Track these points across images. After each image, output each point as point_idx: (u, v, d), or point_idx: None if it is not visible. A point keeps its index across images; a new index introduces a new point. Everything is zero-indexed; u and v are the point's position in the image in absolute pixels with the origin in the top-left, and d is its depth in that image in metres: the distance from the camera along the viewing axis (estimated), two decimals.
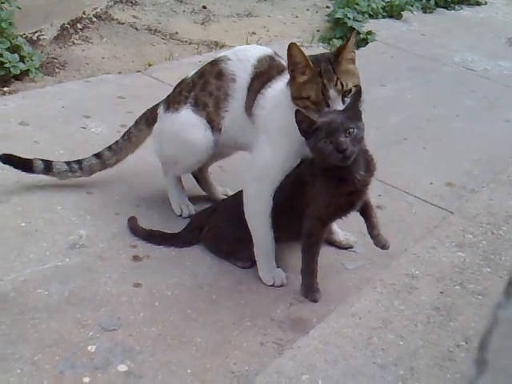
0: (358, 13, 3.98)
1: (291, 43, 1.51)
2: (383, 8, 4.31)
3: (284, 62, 1.69)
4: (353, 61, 1.56)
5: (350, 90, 1.51)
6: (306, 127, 1.49)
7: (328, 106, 1.51)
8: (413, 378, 1.37)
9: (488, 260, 1.82)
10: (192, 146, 1.76)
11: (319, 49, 3.49)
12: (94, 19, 3.49)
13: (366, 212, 1.65)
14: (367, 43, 3.75)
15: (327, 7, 4.32)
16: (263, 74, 1.67)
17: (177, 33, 3.57)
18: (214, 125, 1.75)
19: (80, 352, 1.40)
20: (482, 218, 2.05)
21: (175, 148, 1.81)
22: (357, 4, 4.01)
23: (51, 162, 1.92)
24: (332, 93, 1.50)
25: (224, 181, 2.08)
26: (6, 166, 1.94)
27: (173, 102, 1.82)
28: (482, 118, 2.95)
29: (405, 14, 4.38)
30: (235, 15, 4.00)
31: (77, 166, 1.94)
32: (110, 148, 1.96)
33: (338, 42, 3.66)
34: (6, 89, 2.62)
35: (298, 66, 1.52)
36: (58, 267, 1.65)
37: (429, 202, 2.17)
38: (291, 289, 1.67)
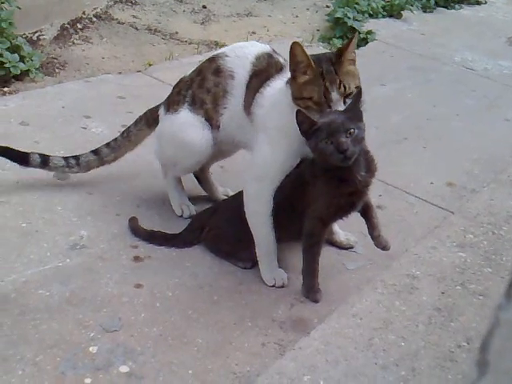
0: (357, 12, 3.97)
1: (294, 42, 1.51)
2: (383, 7, 4.31)
3: (282, 60, 1.69)
4: (354, 62, 1.55)
5: (352, 92, 1.51)
6: (307, 127, 1.48)
7: (330, 107, 1.50)
8: (414, 379, 1.38)
9: (489, 260, 1.82)
10: (190, 148, 1.75)
11: (319, 48, 3.49)
12: (94, 19, 3.48)
13: (367, 213, 1.64)
14: (367, 43, 3.75)
15: (327, 7, 4.32)
16: (262, 72, 1.66)
17: (177, 32, 3.57)
18: (212, 122, 1.74)
19: (81, 353, 1.40)
20: (482, 217, 2.05)
21: (174, 149, 1.81)
22: (357, 3, 4.01)
23: (48, 156, 1.92)
24: (334, 95, 1.49)
25: (225, 181, 2.08)
26: (7, 166, 1.94)
27: (172, 102, 1.82)
28: (482, 117, 2.95)
29: (405, 13, 4.38)
30: (235, 15, 4.00)
31: (74, 162, 1.94)
32: (108, 145, 1.96)
33: (337, 42, 3.66)
34: (6, 89, 2.61)
35: (299, 66, 1.51)
36: (58, 268, 1.65)
37: (429, 202, 2.17)
38: (292, 289, 1.67)
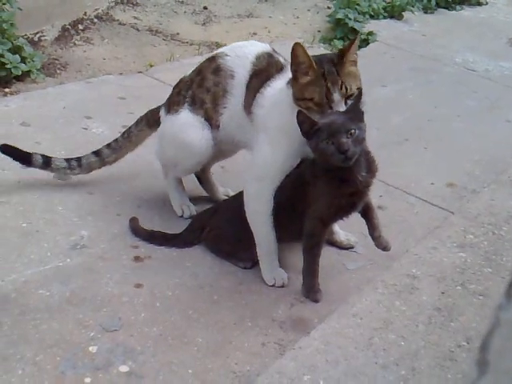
0: (358, 13, 3.98)
1: (296, 43, 1.51)
2: (384, 8, 4.31)
3: (282, 60, 1.69)
4: (355, 63, 1.55)
5: (353, 94, 1.51)
6: (308, 128, 1.49)
7: (331, 108, 1.50)
8: (414, 379, 1.37)
9: (489, 260, 1.82)
10: (190, 148, 1.76)
11: (320, 49, 3.49)
12: (95, 20, 3.49)
13: (368, 213, 1.64)
14: (368, 44, 3.75)
15: (328, 8, 4.32)
16: (262, 72, 1.66)
17: (178, 34, 3.57)
18: (212, 122, 1.74)
19: (81, 352, 1.40)
20: (483, 218, 2.04)
21: (174, 150, 1.81)
22: (358, 4, 4.01)
23: (50, 157, 1.93)
24: (336, 96, 1.49)
25: (226, 181, 2.08)
26: (7, 166, 1.95)
27: (172, 103, 1.82)
28: (483, 118, 2.95)
29: (406, 14, 4.38)
30: (236, 16, 4.01)
31: (76, 164, 1.95)
32: (109, 146, 1.97)
33: (338, 43, 3.67)
34: (7, 90, 2.62)
35: (301, 67, 1.51)
36: (59, 268, 1.65)
37: (430, 203, 2.17)
38: (292, 289, 1.68)
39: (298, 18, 4.17)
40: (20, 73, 2.66)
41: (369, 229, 1.65)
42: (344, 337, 1.47)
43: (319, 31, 3.93)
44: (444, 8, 4.83)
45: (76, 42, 3.23)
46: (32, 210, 1.86)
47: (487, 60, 3.77)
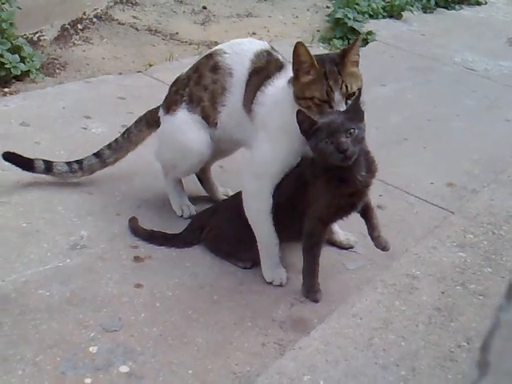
0: (358, 13, 3.98)
1: (298, 42, 1.51)
2: (383, 8, 4.31)
3: (281, 58, 1.69)
4: (357, 63, 1.56)
5: (354, 93, 1.51)
6: (307, 127, 1.49)
7: (331, 107, 1.51)
8: (414, 379, 1.38)
9: (489, 260, 1.82)
10: (188, 151, 1.75)
11: (319, 49, 3.50)
12: (95, 20, 3.49)
13: (367, 213, 1.64)
14: (367, 43, 3.75)
15: (327, 7, 4.32)
16: (262, 70, 1.66)
17: (177, 33, 3.57)
18: (209, 120, 1.74)
19: (81, 353, 1.40)
20: (482, 218, 2.05)
21: (172, 152, 1.81)
22: (357, 4, 4.01)
23: (52, 162, 1.93)
24: (337, 95, 1.49)
25: (225, 181, 2.08)
26: (7, 167, 1.95)
27: (170, 102, 1.81)
28: (482, 117, 2.95)
29: (405, 14, 4.38)
30: (235, 15, 4.00)
31: (77, 166, 1.95)
32: (109, 146, 1.96)
33: (338, 43, 3.67)
34: (6, 89, 2.62)
35: (302, 66, 1.51)
36: (59, 268, 1.65)
37: (429, 202, 2.17)
38: (292, 289, 1.68)
39: (297, 17, 4.17)
40: (19, 72, 2.65)
41: (368, 229, 1.65)
42: (344, 337, 1.47)
43: (318, 31, 3.93)
44: (443, 7, 4.83)
45: (75, 41, 3.23)
46: (32, 210, 1.86)
47: (486, 59, 3.77)
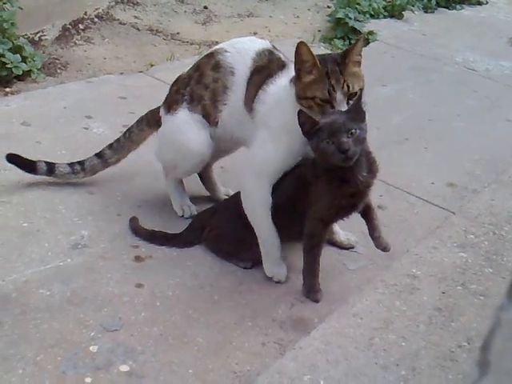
0: (359, 13, 3.97)
1: (300, 42, 1.51)
2: (384, 8, 4.31)
3: (283, 57, 1.69)
4: (359, 64, 1.56)
5: (356, 93, 1.51)
6: (309, 128, 1.49)
7: (333, 107, 1.51)
8: (415, 379, 1.37)
9: (490, 260, 1.82)
10: (188, 151, 1.75)
11: (320, 49, 3.50)
12: (96, 20, 3.49)
13: (368, 214, 1.64)
14: (368, 43, 3.75)
15: (328, 7, 4.32)
16: (263, 69, 1.66)
17: (178, 33, 3.57)
18: (210, 119, 1.74)
19: (82, 352, 1.40)
20: (483, 218, 2.04)
21: (172, 152, 1.81)
22: (358, 4, 4.01)
23: (54, 164, 1.93)
24: (338, 95, 1.50)
25: (226, 181, 2.08)
26: (8, 167, 1.95)
27: (171, 102, 1.81)
28: (483, 117, 2.95)
29: (406, 13, 4.38)
30: (236, 15, 4.01)
31: (79, 168, 1.95)
32: (111, 146, 1.96)
33: (339, 42, 3.67)
34: (8, 89, 2.62)
35: (305, 65, 1.51)
36: (59, 267, 1.65)
37: (430, 203, 2.17)
38: (292, 289, 1.68)
39: (298, 17, 4.17)
40: (21, 72, 2.66)
41: (369, 229, 1.65)
42: (344, 337, 1.47)
43: (319, 31, 3.93)
44: (444, 7, 4.83)
45: (76, 41, 3.23)
46: (33, 210, 1.86)
47: (487, 59, 3.77)
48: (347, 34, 3.76)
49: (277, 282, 1.68)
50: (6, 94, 2.59)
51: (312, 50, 1.53)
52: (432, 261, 1.80)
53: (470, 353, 1.45)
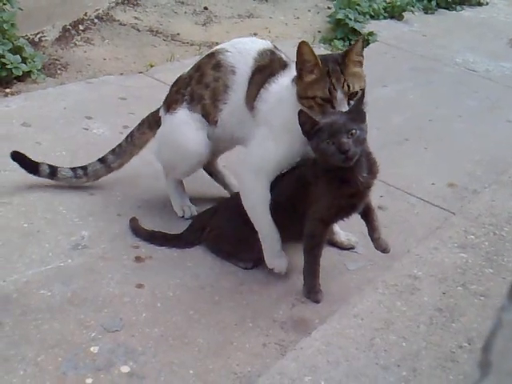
0: (359, 14, 3.97)
1: (302, 41, 1.52)
2: (384, 9, 4.31)
3: (285, 56, 1.69)
4: (360, 64, 1.56)
5: (356, 93, 1.52)
6: (309, 128, 1.49)
7: (333, 107, 1.51)
8: (415, 379, 1.37)
9: (490, 261, 1.82)
10: (185, 151, 1.75)
11: (320, 50, 3.49)
12: (96, 20, 3.49)
13: (368, 215, 1.64)
14: (368, 44, 3.74)
15: (328, 8, 4.32)
16: (265, 68, 1.66)
17: (178, 34, 3.57)
18: (209, 118, 1.74)
19: (83, 353, 1.40)
20: (484, 218, 2.04)
21: (170, 152, 1.81)
22: (358, 5, 4.01)
23: (57, 167, 1.92)
24: (339, 94, 1.50)
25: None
26: (9, 167, 1.95)
27: (171, 102, 1.81)
28: (483, 118, 2.95)
29: (406, 14, 4.37)
30: (236, 16, 4.01)
31: (82, 172, 1.94)
32: (113, 151, 1.96)
33: (339, 43, 3.67)
34: (8, 90, 2.62)
35: (306, 65, 1.52)
36: (60, 268, 1.65)
37: (431, 203, 2.17)
38: (293, 290, 1.67)
39: (298, 18, 4.17)
40: (21, 73, 2.66)
41: (368, 230, 1.65)
42: (345, 337, 1.47)
43: (319, 31, 3.93)
44: (444, 8, 4.83)
45: (76, 42, 3.23)
46: (33, 211, 1.86)
47: (488, 60, 3.77)
48: (347, 35, 3.76)
49: (279, 273, 1.69)
50: (6, 94, 2.59)
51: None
52: (432, 261, 1.80)
53: (470, 353, 1.45)
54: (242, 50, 1.70)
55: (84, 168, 1.94)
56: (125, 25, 3.56)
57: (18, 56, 2.66)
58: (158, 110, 1.91)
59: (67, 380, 1.33)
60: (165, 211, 1.94)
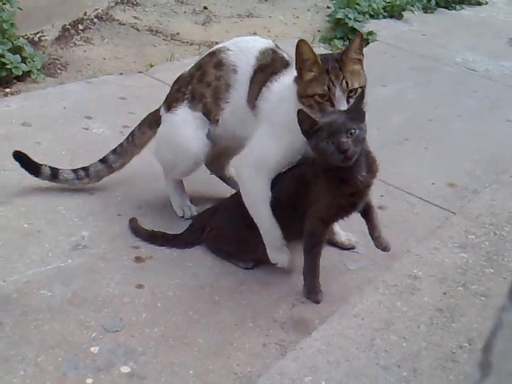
0: (358, 13, 3.97)
1: (300, 40, 1.52)
2: (384, 8, 4.31)
3: (287, 56, 1.69)
4: (360, 61, 1.56)
5: (356, 91, 1.52)
6: (308, 127, 1.49)
7: (333, 105, 1.51)
8: (416, 380, 1.37)
9: (491, 261, 1.82)
10: (184, 149, 1.75)
11: (320, 49, 3.49)
12: (96, 20, 3.49)
13: (368, 214, 1.64)
14: (368, 43, 3.74)
15: (328, 7, 4.32)
16: (267, 67, 1.67)
17: (178, 33, 3.57)
18: (211, 116, 1.74)
19: (83, 353, 1.40)
20: (484, 218, 2.04)
21: (169, 150, 1.81)
22: (357, 4, 4.01)
23: (58, 169, 1.91)
24: (338, 91, 1.50)
25: None
26: (9, 167, 1.95)
27: (171, 100, 1.81)
28: (483, 118, 2.95)
29: (406, 14, 4.37)
30: (236, 16, 4.00)
31: (83, 173, 1.93)
32: (114, 151, 1.95)
33: (338, 43, 3.67)
34: (8, 90, 2.62)
35: (305, 64, 1.52)
36: (60, 268, 1.65)
37: (431, 203, 2.17)
38: (293, 290, 1.67)
39: (297, 17, 4.17)
40: (20, 73, 2.66)
41: (369, 229, 1.65)
42: (345, 337, 1.47)
43: (319, 31, 3.93)
44: (444, 8, 4.82)
45: (76, 41, 3.23)
46: (33, 211, 1.86)
47: (487, 60, 3.77)
48: (347, 35, 3.76)
49: (282, 267, 1.69)
50: (6, 94, 2.59)
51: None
52: (433, 261, 1.79)
53: (471, 354, 1.45)
54: (243, 49, 1.70)
55: (85, 169, 1.94)
56: (124, 24, 3.55)
57: (18, 56, 2.66)
58: (159, 109, 1.91)
59: (67, 380, 1.33)
60: (165, 211, 1.94)
